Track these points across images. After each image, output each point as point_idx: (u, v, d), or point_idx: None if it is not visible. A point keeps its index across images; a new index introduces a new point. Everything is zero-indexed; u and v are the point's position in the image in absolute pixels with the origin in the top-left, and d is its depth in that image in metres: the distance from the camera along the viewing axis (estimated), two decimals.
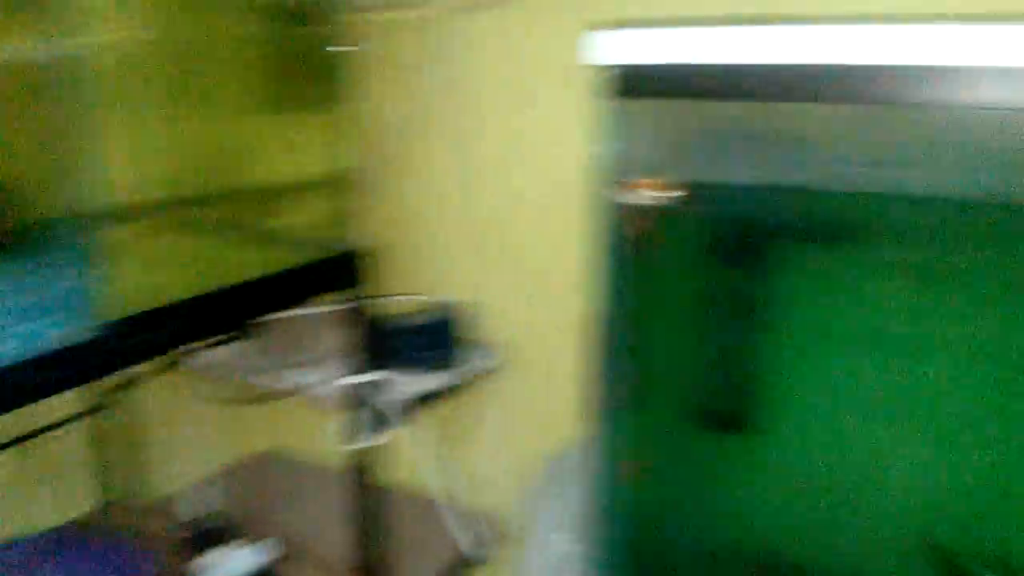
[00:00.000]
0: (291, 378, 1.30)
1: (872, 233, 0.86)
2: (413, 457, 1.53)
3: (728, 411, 0.95)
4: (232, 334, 1.43)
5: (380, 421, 1.20)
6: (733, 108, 0.79)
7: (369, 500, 1.23)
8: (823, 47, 0.68)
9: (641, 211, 0.87)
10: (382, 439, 1.18)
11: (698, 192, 0.87)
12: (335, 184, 1.30)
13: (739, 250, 0.92)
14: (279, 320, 1.40)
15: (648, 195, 0.87)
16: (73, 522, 1.55)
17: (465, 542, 1.42)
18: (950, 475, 0.89)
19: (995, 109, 0.66)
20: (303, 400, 1.28)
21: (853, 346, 0.90)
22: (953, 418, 0.87)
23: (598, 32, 0.78)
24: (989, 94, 0.64)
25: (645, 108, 0.82)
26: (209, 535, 1.40)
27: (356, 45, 1.25)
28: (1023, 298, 0.81)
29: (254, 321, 1.39)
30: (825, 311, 0.90)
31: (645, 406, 0.92)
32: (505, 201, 1.40)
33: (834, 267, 0.89)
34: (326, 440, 1.28)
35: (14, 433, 1.39)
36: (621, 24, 0.77)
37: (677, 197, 0.86)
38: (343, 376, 1.22)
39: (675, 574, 0.97)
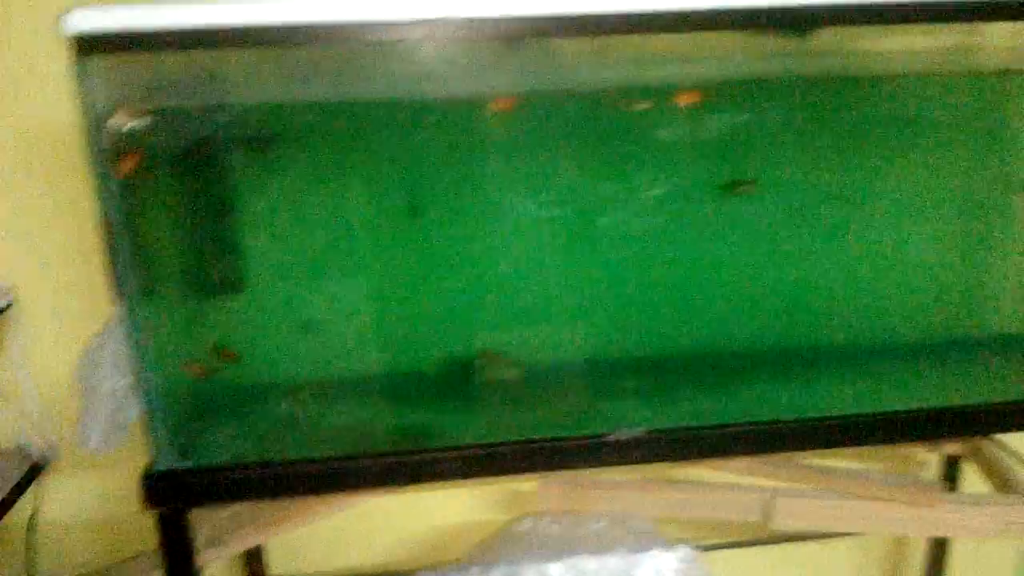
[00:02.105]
0: None
1: (300, 137, 1.28)
2: None
3: (225, 278, 1.31)
4: None
5: None
6: (193, 55, 1.14)
7: None
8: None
9: (127, 137, 1.15)
10: None
11: (171, 116, 1.19)
12: None
13: (207, 156, 1.27)
14: None
15: (131, 123, 1.15)
16: None
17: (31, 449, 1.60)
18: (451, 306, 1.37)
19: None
20: None
21: (304, 223, 1.33)
22: (424, 267, 1.34)
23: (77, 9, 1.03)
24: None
25: (120, 60, 1.11)
26: None
27: None
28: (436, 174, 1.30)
29: None
30: (278, 199, 1.31)
31: (160, 284, 1.23)
32: None
33: (274, 165, 1.29)
34: None
35: None
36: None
37: (156, 121, 1.17)
38: None
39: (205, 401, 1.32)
